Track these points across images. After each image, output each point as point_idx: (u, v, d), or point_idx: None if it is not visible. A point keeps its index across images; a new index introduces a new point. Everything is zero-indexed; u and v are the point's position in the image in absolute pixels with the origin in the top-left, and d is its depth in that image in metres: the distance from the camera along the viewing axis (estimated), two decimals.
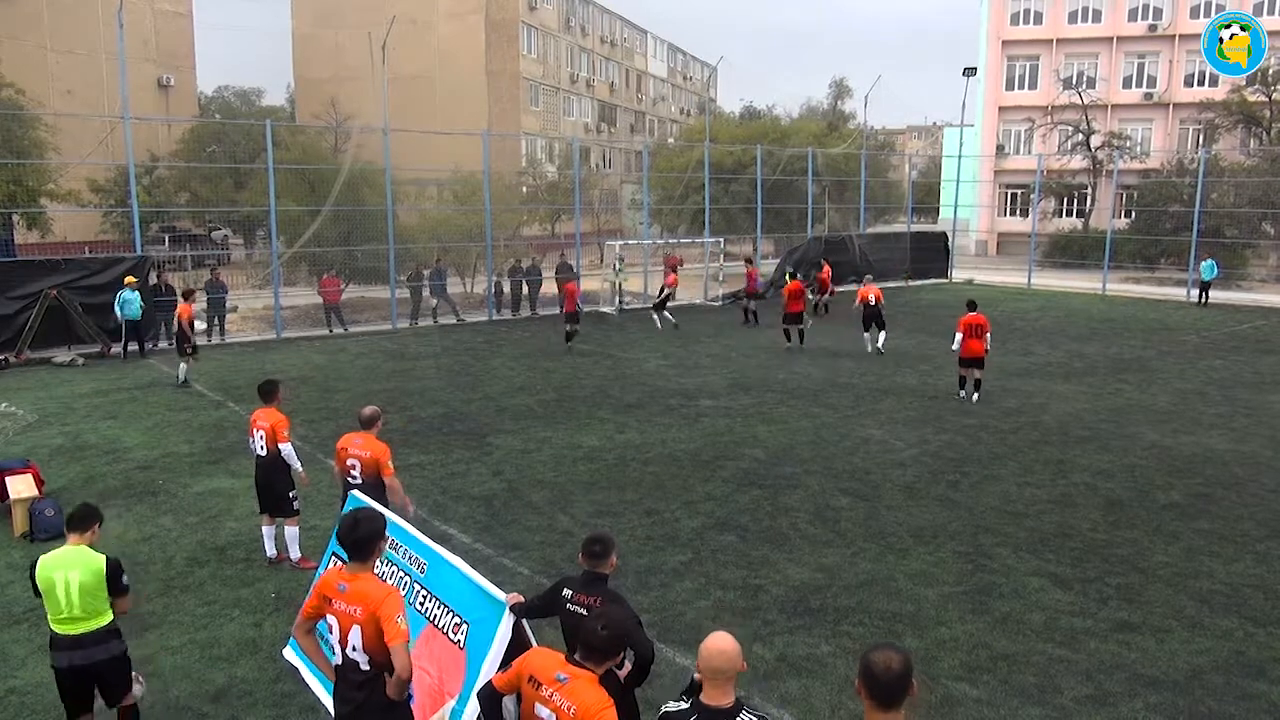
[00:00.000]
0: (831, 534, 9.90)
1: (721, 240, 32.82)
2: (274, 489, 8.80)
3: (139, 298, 20.18)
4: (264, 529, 9.07)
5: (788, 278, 23.60)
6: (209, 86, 62.12)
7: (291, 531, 9.00)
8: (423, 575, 5.82)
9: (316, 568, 8.42)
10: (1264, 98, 42.56)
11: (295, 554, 9.01)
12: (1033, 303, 31.96)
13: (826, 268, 28.77)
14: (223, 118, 47.72)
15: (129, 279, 20.35)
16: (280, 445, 8.63)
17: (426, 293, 26.50)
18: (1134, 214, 42.92)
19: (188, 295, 18.31)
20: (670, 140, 63.65)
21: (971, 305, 16.55)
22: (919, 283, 37.58)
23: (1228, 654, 7.48)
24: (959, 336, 16.20)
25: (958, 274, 39.92)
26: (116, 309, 20.13)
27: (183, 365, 17.48)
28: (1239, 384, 18.18)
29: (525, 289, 28.00)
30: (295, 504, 8.96)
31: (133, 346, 20.55)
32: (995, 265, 45.24)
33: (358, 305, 27.30)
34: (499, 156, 33.85)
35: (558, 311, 25.22)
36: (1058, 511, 10.73)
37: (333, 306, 24.75)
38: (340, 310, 24.93)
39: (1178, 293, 34.63)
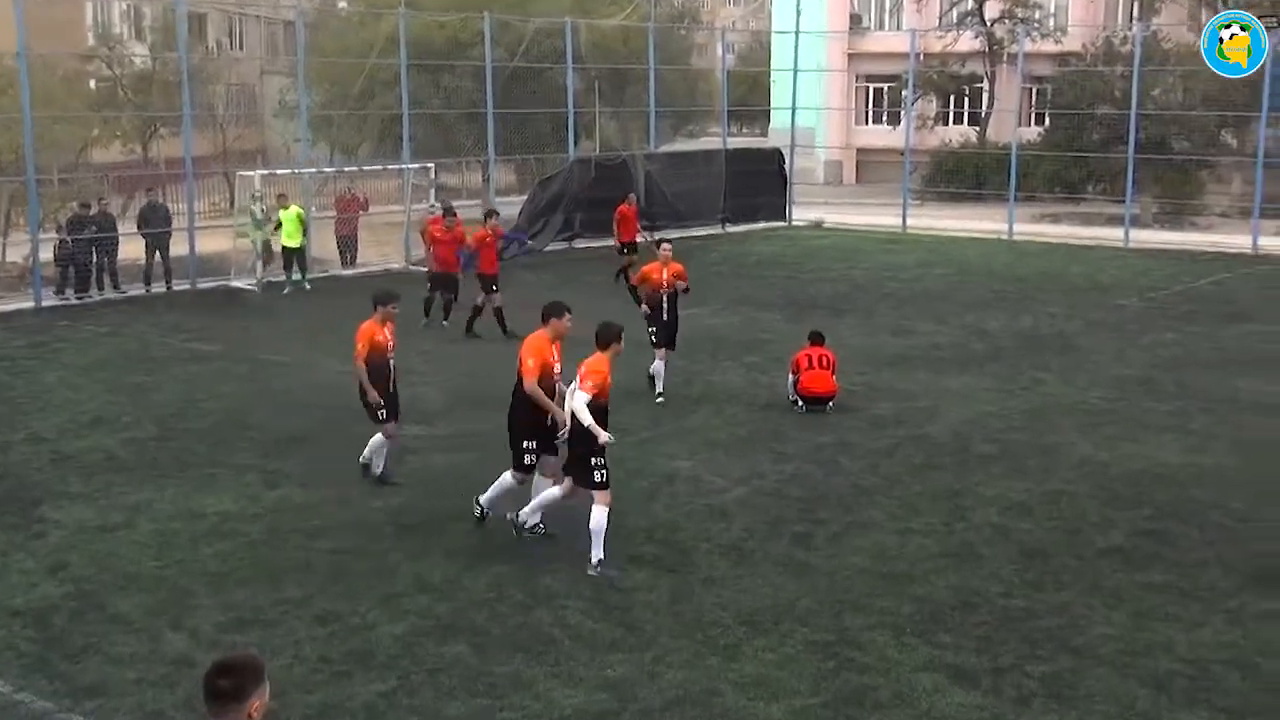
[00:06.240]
0: (620, 629, 10.03)
1: (431, 167, 32.47)
2: None
3: None
4: None
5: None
6: None
7: None
8: None
9: None
10: None
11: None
12: (910, 254, 33.59)
13: (626, 208, 28.44)
14: None
15: None
16: None
17: None
18: (1048, 119, 45.92)
19: None
20: (342, 4, 62.39)
21: (815, 337, 17.44)
22: (743, 228, 38.79)
23: None
24: (793, 378, 17.10)
25: (801, 213, 41.37)
26: None
27: None
28: (1196, 365, 19.93)
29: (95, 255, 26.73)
30: None
31: None
32: (854, 199, 47.19)
33: None
34: (47, 30, 32.04)
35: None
36: (955, 570, 11.32)
37: None
38: None
39: (1112, 234, 37.36)
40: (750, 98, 56.91)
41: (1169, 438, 15.75)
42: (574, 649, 9.68)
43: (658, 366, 17.40)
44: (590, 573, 11.06)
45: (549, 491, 11.81)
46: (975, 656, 9.56)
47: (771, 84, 53.65)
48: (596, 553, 11.16)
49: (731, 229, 38.51)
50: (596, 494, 11.24)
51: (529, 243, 31.31)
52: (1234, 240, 35.98)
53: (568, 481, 11.64)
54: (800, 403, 16.94)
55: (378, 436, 13.63)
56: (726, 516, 12.71)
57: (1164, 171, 40.61)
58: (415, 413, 16.53)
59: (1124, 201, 37.49)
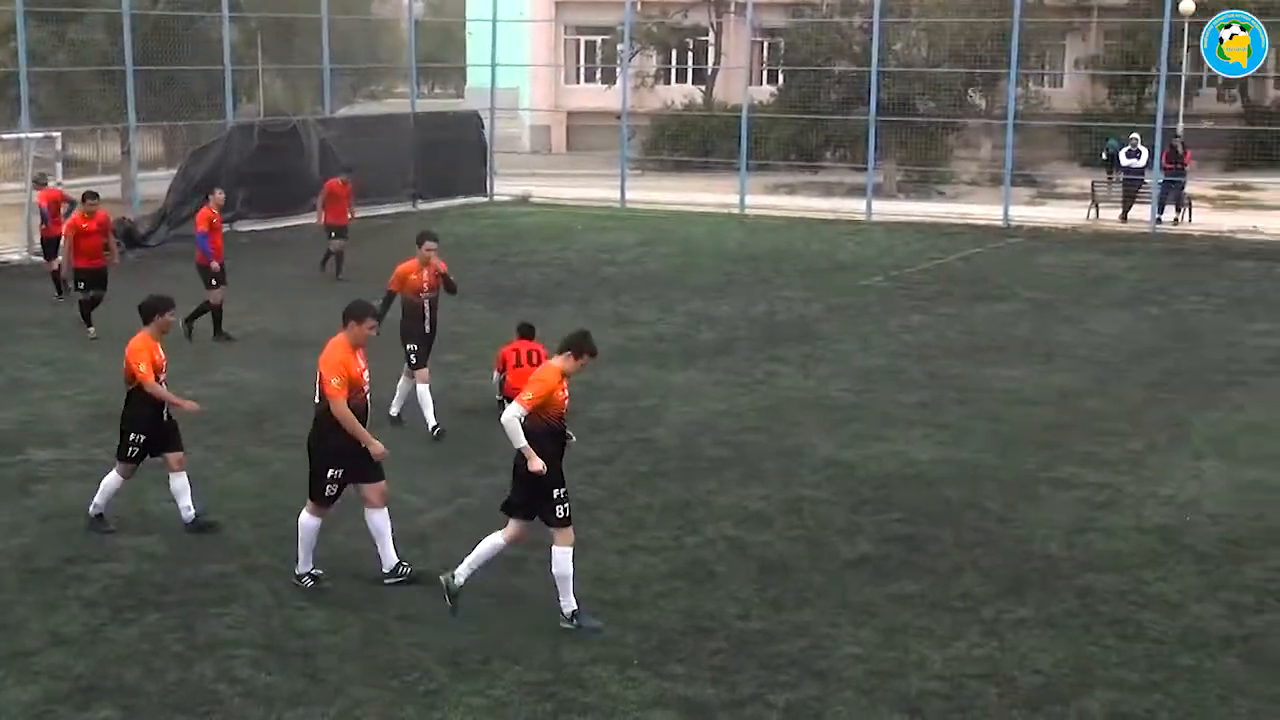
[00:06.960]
0: (301, 679, 9.91)
1: (57, 136, 31.28)
2: None
3: None
4: None
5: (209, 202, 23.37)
6: None
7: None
8: None
9: None
10: None
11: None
12: (630, 233, 34.15)
13: (334, 185, 27.90)
14: None
15: None
16: None
17: None
18: (781, 77, 47.08)
19: None
20: None
21: (524, 330, 17.39)
22: (438, 205, 38.65)
23: None
24: (499, 377, 17.02)
25: (504, 186, 41.47)
26: None
27: None
28: (947, 352, 20.83)
29: None
30: None
31: None
32: (566, 169, 47.54)
33: None
34: None
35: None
36: (686, 591, 11.50)
37: None
38: None
39: (853, 205, 38.73)
40: (443, 53, 56.68)
41: (919, 433, 16.35)
42: (245, 706, 9.47)
43: (422, 391, 16.68)
44: (564, 625, 10.70)
45: (490, 540, 11.09)
46: (710, 688, 9.69)
47: (467, 36, 53.68)
48: (567, 603, 10.80)
49: (424, 206, 38.43)
50: (557, 533, 10.78)
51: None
52: (984, 211, 37.82)
53: (513, 524, 10.99)
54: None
55: (113, 476, 12.94)
56: (425, 542, 12.63)
57: (908, 135, 42.07)
58: (42, 434, 16.21)
59: (865, 169, 38.77)
